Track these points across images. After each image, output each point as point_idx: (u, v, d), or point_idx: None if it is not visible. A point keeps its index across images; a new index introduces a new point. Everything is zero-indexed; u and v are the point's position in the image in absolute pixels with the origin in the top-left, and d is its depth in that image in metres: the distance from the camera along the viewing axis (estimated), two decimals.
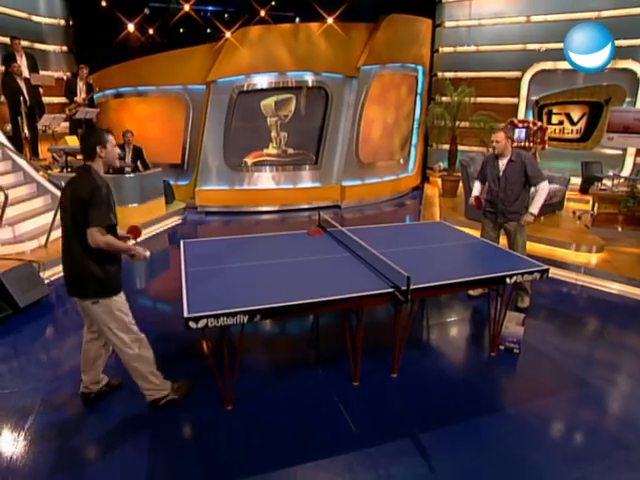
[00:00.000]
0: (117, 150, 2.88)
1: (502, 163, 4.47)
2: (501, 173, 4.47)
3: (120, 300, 2.91)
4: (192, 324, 2.65)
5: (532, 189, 4.48)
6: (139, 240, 3.43)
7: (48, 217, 6.06)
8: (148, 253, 2.95)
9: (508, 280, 3.43)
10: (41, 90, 8.23)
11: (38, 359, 3.86)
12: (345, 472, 2.59)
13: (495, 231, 4.65)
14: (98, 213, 2.62)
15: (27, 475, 2.60)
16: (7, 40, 8.01)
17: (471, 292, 4.84)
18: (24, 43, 8.28)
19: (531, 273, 3.49)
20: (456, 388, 3.40)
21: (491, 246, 4.27)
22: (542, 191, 4.38)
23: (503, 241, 4.72)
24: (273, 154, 8.89)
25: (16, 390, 3.35)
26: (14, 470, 2.62)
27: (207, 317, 2.67)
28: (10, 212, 5.78)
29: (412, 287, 2.96)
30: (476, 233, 5.31)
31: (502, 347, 3.86)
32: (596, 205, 6.64)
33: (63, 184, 2.95)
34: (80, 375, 3.18)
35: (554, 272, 5.59)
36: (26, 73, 7.91)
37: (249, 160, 8.83)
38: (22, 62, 7.92)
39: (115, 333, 2.89)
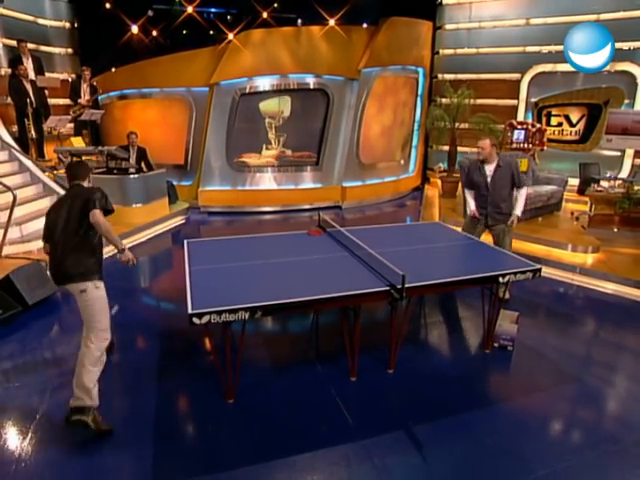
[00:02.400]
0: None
1: (489, 169, 4.63)
2: (489, 179, 4.63)
3: (103, 290, 3.04)
4: (196, 320, 2.77)
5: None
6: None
7: None
8: (133, 261, 3.14)
9: (501, 279, 3.54)
10: (47, 92, 8.37)
11: (46, 354, 3.99)
12: (341, 462, 2.71)
13: (479, 229, 4.82)
14: (101, 200, 2.95)
15: (36, 464, 2.72)
16: (14, 43, 8.16)
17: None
18: (30, 46, 8.42)
19: (524, 272, 3.60)
20: (450, 384, 3.51)
21: (485, 246, 4.38)
22: (523, 195, 4.69)
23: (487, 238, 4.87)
24: (276, 155, 9.01)
25: (26, 384, 3.48)
26: (23, 461, 2.74)
27: (210, 313, 2.79)
28: (17, 212, 5.90)
29: (407, 285, 3.07)
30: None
31: (496, 345, 3.98)
32: (593, 206, 6.74)
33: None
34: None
35: (550, 272, 5.72)
36: (32, 75, 8.05)
37: (252, 160, 8.96)
38: (28, 64, 8.05)
39: (95, 321, 2.95)
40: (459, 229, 5.03)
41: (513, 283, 4.73)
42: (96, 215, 2.89)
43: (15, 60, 7.92)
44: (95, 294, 2.96)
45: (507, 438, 2.93)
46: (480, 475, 2.66)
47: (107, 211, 3.02)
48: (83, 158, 7.46)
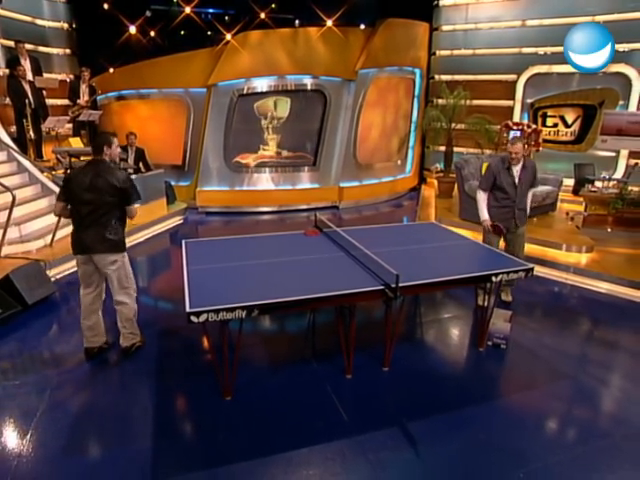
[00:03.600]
0: (118, 150, 3.71)
1: (516, 170, 4.61)
2: (517, 180, 4.61)
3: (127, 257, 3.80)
4: (194, 318, 2.82)
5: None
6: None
7: (53, 217, 6.22)
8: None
9: (494, 278, 3.60)
10: (44, 92, 8.40)
11: (46, 353, 4.03)
12: (337, 457, 2.77)
13: (498, 237, 4.77)
14: (135, 191, 3.62)
15: (37, 461, 2.77)
16: (11, 43, 8.20)
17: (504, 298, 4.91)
18: (28, 46, 8.46)
19: (516, 272, 3.67)
20: (444, 381, 3.57)
21: (479, 246, 4.44)
22: (532, 194, 4.76)
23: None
24: (272, 156, 9.06)
25: (25, 382, 3.53)
26: (24, 457, 2.79)
27: (207, 312, 2.84)
28: (16, 212, 5.92)
29: (401, 285, 3.13)
30: (469, 234, 5.49)
31: (490, 343, 4.04)
32: (587, 207, 6.81)
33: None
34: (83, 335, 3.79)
35: (545, 271, 5.79)
36: (30, 76, 8.08)
37: (248, 161, 9.00)
38: (26, 65, 8.09)
39: (123, 284, 3.72)
40: (455, 229, 5.07)
41: (514, 285, 4.85)
42: (135, 211, 3.69)
43: (13, 61, 7.96)
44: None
45: (499, 434, 2.99)
46: (472, 469, 2.72)
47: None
48: (82, 159, 7.51)
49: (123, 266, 3.70)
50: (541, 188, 7.43)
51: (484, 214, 4.70)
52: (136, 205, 3.63)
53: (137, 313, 3.86)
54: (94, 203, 3.48)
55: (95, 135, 3.90)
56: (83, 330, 3.77)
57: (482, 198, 4.74)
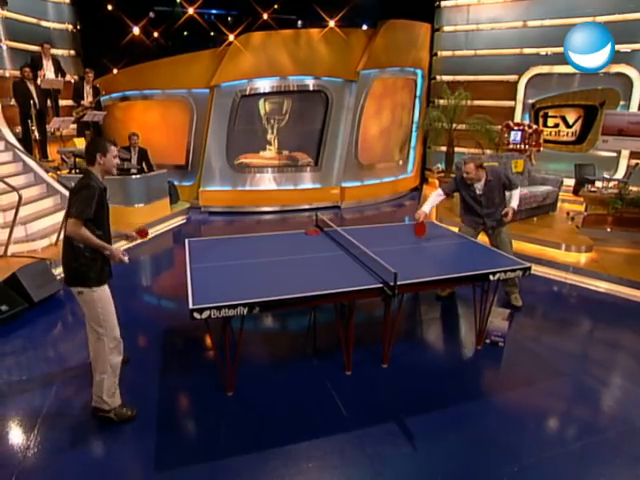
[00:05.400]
0: (116, 161, 3.03)
1: (479, 186, 4.61)
2: (480, 192, 4.62)
3: (102, 294, 2.99)
4: (196, 315, 2.90)
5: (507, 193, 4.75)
6: (146, 239, 3.64)
7: (58, 216, 6.32)
8: (127, 259, 3.02)
9: (492, 277, 3.66)
10: (57, 94, 8.55)
11: (52, 349, 4.12)
12: (336, 451, 2.83)
13: (476, 232, 4.83)
14: (77, 206, 2.80)
15: (43, 456, 2.85)
16: (18, 45, 8.32)
17: (439, 292, 5.00)
18: (34, 47, 8.57)
19: (514, 270, 3.73)
20: (442, 378, 3.63)
21: (477, 245, 4.50)
22: (517, 193, 4.72)
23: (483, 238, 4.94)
24: (274, 156, 9.13)
25: (32, 378, 3.61)
26: (31, 450, 2.87)
27: (210, 309, 2.91)
28: (22, 212, 6.02)
29: (399, 283, 3.19)
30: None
31: (488, 341, 4.09)
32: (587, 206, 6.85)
33: (73, 184, 3.14)
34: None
35: (544, 271, 5.84)
36: (51, 76, 8.32)
37: (250, 161, 9.08)
38: (48, 66, 8.26)
39: (93, 325, 3.00)
40: (455, 229, 5.12)
41: (518, 287, 4.88)
42: (69, 226, 2.79)
43: (34, 61, 8.20)
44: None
45: (495, 429, 3.05)
46: (468, 463, 2.78)
47: (96, 224, 2.87)
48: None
49: (93, 303, 2.95)
50: (541, 188, 7.49)
51: (425, 207, 4.62)
52: (70, 220, 2.79)
53: (116, 386, 3.09)
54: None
55: (90, 141, 3.30)
56: None
57: (434, 195, 4.73)
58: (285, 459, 2.77)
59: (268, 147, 9.10)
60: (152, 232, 7.48)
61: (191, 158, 9.23)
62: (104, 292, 3.01)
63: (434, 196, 4.76)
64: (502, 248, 4.65)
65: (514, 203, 4.68)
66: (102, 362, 3.02)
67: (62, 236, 2.97)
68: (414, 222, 4.57)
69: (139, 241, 3.43)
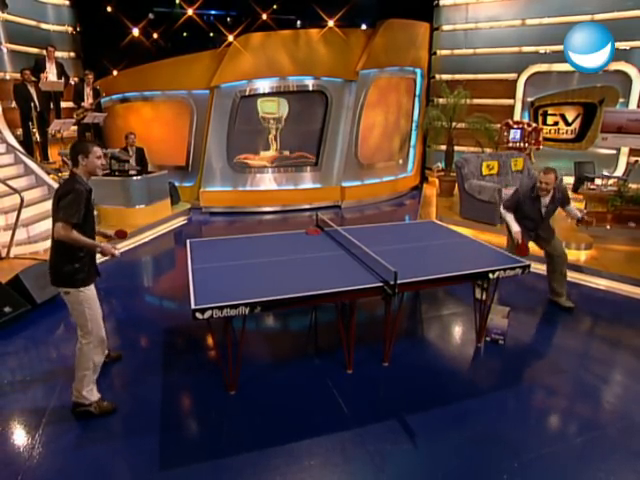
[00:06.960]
0: (100, 162, 3.07)
1: (545, 201, 4.56)
2: (544, 209, 4.59)
3: (89, 294, 3.09)
4: (199, 315, 2.93)
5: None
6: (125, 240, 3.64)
7: None
8: (118, 252, 3.17)
9: (491, 275, 3.68)
10: (59, 97, 8.60)
11: (54, 350, 4.15)
12: (337, 448, 2.86)
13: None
14: (65, 210, 2.85)
15: (48, 455, 2.88)
16: (18, 47, 8.36)
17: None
18: (34, 50, 8.60)
19: (513, 269, 3.75)
20: (443, 376, 3.66)
21: (477, 243, 4.52)
22: (574, 208, 4.82)
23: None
24: (274, 156, 9.16)
25: (35, 378, 3.64)
26: (36, 450, 2.90)
27: (212, 308, 2.94)
28: (24, 214, 6.06)
29: (399, 282, 3.22)
30: (469, 232, 5.55)
31: (488, 338, 4.12)
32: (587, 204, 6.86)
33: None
34: None
35: (543, 268, 5.83)
36: (54, 79, 8.38)
37: (250, 161, 9.11)
38: (52, 69, 8.29)
39: (79, 324, 3.11)
40: (456, 227, 5.12)
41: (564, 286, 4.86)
42: (57, 230, 2.84)
43: (38, 64, 8.25)
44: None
45: (496, 426, 3.08)
46: (469, 460, 2.80)
47: (82, 227, 2.91)
48: None
49: (80, 303, 3.04)
50: None
51: (515, 227, 4.62)
52: (59, 224, 2.83)
53: (94, 382, 3.19)
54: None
55: (72, 144, 3.31)
56: None
57: (508, 215, 4.72)
58: (287, 457, 2.80)
59: (267, 148, 9.11)
60: (153, 233, 7.52)
61: (192, 159, 9.26)
62: (91, 292, 3.11)
63: (509, 216, 4.69)
64: (558, 249, 4.76)
65: (578, 213, 4.75)
66: (86, 359, 3.12)
67: (51, 242, 3.03)
68: (516, 243, 4.54)
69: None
